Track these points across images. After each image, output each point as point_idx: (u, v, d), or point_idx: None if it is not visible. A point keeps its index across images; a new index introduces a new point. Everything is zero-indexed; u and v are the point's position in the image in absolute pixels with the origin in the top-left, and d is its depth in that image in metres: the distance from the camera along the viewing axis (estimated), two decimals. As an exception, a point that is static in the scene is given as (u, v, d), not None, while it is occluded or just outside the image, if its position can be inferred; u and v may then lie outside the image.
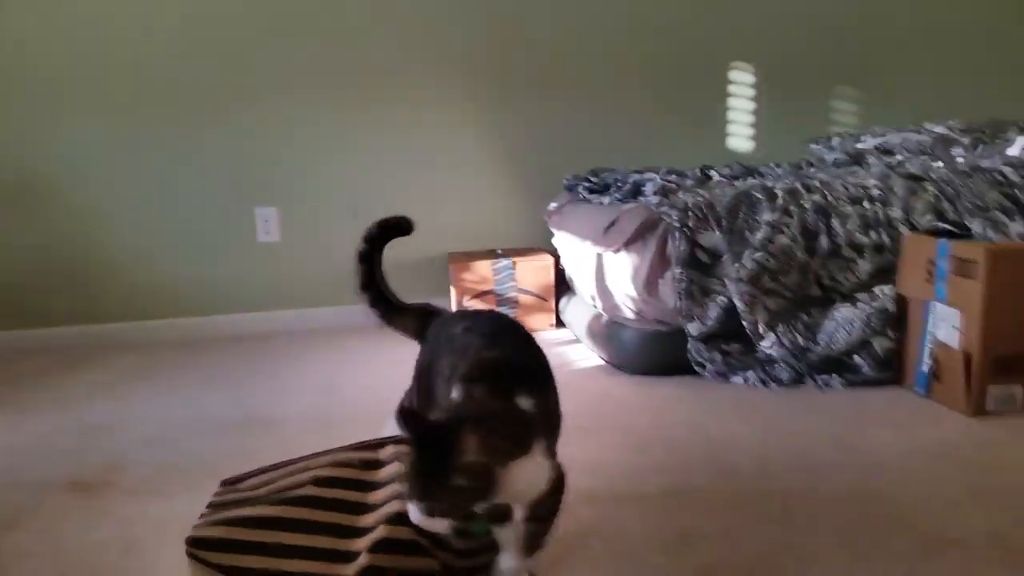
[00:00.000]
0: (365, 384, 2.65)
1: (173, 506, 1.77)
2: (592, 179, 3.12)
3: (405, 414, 1.10)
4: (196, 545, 1.42)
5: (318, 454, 1.63)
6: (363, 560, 1.33)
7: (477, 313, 1.57)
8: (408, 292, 3.54)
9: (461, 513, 1.13)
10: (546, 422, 1.22)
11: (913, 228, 2.43)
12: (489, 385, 1.22)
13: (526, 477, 1.16)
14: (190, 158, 3.43)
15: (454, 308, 3.27)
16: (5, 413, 2.55)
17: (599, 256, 2.68)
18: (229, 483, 1.55)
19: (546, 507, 1.21)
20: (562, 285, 3.38)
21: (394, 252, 3.51)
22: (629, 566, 1.44)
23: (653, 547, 1.50)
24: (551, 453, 1.21)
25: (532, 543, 1.24)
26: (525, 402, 1.19)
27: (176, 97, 3.38)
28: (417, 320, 1.58)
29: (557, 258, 3.35)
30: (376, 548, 1.33)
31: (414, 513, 1.12)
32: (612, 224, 2.52)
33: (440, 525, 1.13)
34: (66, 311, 3.46)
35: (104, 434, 2.29)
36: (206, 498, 1.58)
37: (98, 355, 3.28)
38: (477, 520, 1.23)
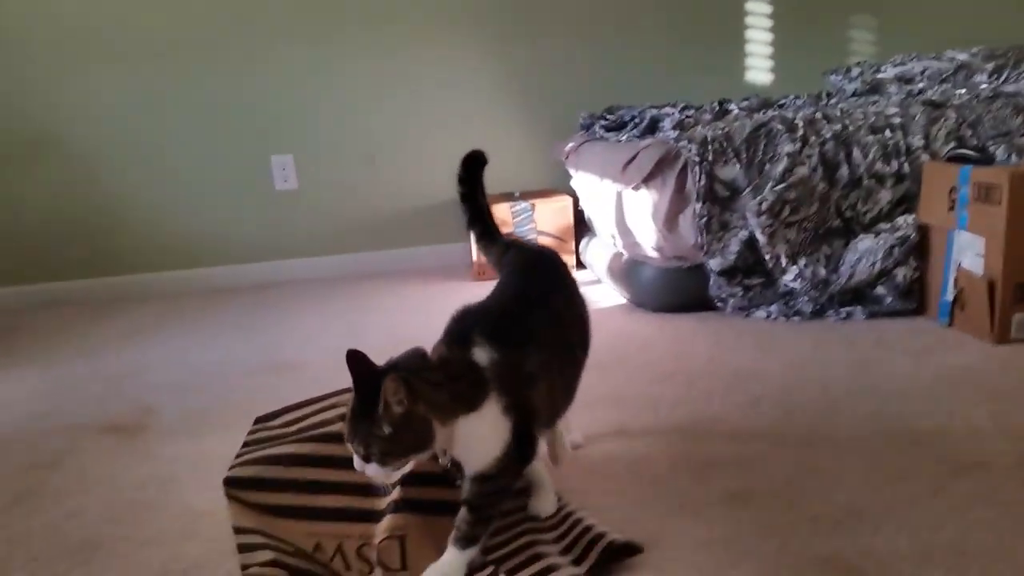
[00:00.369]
0: (385, 328, 2.68)
1: (206, 445, 1.81)
2: (608, 116, 3.09)
3: (350, 356, 1.12)
4: (233, 484, 1.45)
5: (345, 390, 1.66)
6: (396, 494, 1.36)
7: (526, 254, 1.50)
8: (429, 236, 3.60)
9: (394, 463, 1.13)
10: (512, 380, 1.17)
11: (934, 156, 2.40)
12: (449, 336, 1.21)
13: (471, 436, 1.17)
14: (204, 107, 3.41)
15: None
16: (36, 362, 2.60)
17: (618, 194, 2.66)
18: (262, 420, 1.58)
19: (492, 481, 1.19)
20: (581, 226, 3.37)
21: (414, 198, 3.57)
22: (656, 491, 1.47)
23: (679, 474, 1.53)
24: (516, 413, 1.17)
25: (461, 528, 1.20)
26: (482, 355, 1.17)
27: (189, 46, 3.35)
28: (498, 254, 1.54)
29: (575, 199, 3.33)
30: (407, 481, 1.36)
31: (356, 461, 1.14)
32: (630, 161, 2.50)
33: (375, 472, 1.14)
34: (86, 264, 3.49)
35: (133, 380, 2.34)
36: (237, 437, 1.62)
37: (120, 306, 3.33)
38: (450, 468, 1.28)
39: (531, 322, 1.27)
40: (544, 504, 1.39)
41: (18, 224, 3.41)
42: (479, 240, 1.56)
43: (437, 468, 1.36)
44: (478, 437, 1.17)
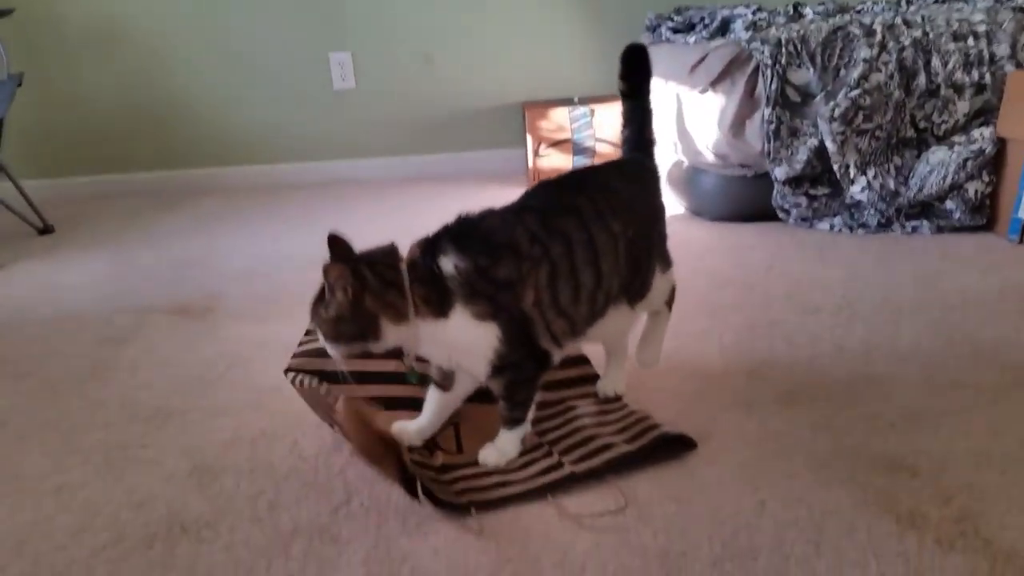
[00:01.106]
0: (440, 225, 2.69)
1: (270, 329, 1.87)
2: (676, 18, 2.98)
3: (331, 239, 1.17)
4: (295, 373, 1.45)
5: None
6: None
7: (602, 167, 1.40)
8: (484, 139, 3.57)
9: (341, 346, 1.18)
10: (483, 288, 1.15)
11: (1021, 66, 2.28)
12: (425, 240, 1.21)
13: (441, 342, 1.18)
14: (266, 1, 3.39)
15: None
16: (105, 249, 2.69)
17: (678, 98, 2.60)
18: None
19: (502, 377, 1.20)
20: (640, 133, 3.30)
21: (471, 100, 3.53)
22: (709, 388, 1.48)
23: (733, 373, 1.54)
24: (501, 319, 1.16)
25: (502, 413, 1.25)
26: (447, 264, 1.15)
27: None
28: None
29: (636, 105, 3.26)
30: None
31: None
32: (699, 63, 2.42)
33: (331, 352, 1.19)
34: (149, 157, 3.56)
35: (198, 267, 2.40)
36: (299, 322, 1.63)
37: (182, 198, 3.40)
38: (410, 369, 1.31)
39: (515, 232, 1.18)
40: (609, 384, 1.42)
41: (87, 116, 3.48)
42: (624, 147, 1.43)
43: None
44: (452, 344, 1.18)
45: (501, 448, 1.25)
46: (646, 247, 1.32)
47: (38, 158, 3.51)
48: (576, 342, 1.31)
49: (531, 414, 1.27)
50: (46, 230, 2.95)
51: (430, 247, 1.19)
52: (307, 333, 1.49)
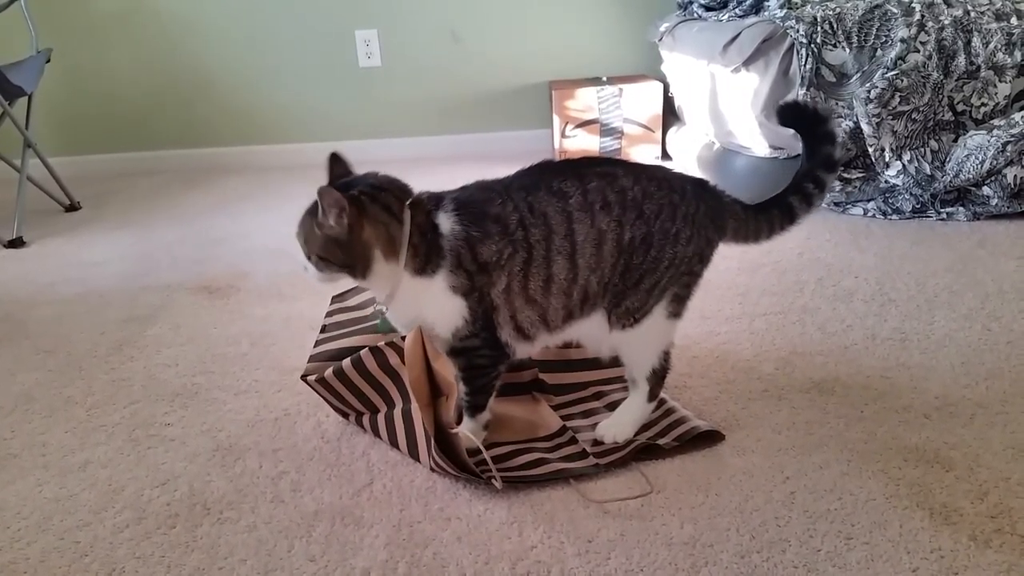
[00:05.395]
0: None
1: (296, 308, 1.86)
2: (708, -5, 2.92)
3: (332, 157, 1.24)
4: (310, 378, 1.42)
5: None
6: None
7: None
8: (510, 119, 3.53)
9: (327, 271, 1.15)
10: (466, 260, 1.12)
11: (1066, 47, 2.21)
12: (431, 194, 1.18)
13: (412, 299, 1.15)
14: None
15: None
16: (130, 225, 2.69)
17: (713, 77, 2.55)
18: (338, 299, 1.57)
19: (461, 358, 1.17)
20: (669, 115, 3.25)
21: (497, 80, 3.49)
22: (739, 376, 1.45)
23: (763, 360, 1.51)
24: (472, 299, 1.13)
25: (466, 395, 1.23)
26: (445, 222, 1.13)
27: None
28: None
29: (666, 86, 3.21)
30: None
31: (300, 258, 1.19)
32: (732, 41, 2.37)
33: (312, 276, 1.17)
34: (175, 135, 3.55)
35: (224, 245, 2.40)
36: (324, 303, 1.64)
37: (208, 176, 3.39)
38: (381, 317, 1.29)
39: (506, 209, 1.13)
40: (608, 430, 1.27)
41: (114, 93, 3.47)
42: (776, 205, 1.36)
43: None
44: (424, 307, 1.15)
45: (468, 432, 1.20)
46: (652, 262, 1.16)
47: (65, 135, 3.53)
48: (551, 337, 1.21)
49: (491, 401, 1.25)
50: (72, 207, 2.96)
51: (435, 201, 1.16)
52: (323, 330, 1.46)
